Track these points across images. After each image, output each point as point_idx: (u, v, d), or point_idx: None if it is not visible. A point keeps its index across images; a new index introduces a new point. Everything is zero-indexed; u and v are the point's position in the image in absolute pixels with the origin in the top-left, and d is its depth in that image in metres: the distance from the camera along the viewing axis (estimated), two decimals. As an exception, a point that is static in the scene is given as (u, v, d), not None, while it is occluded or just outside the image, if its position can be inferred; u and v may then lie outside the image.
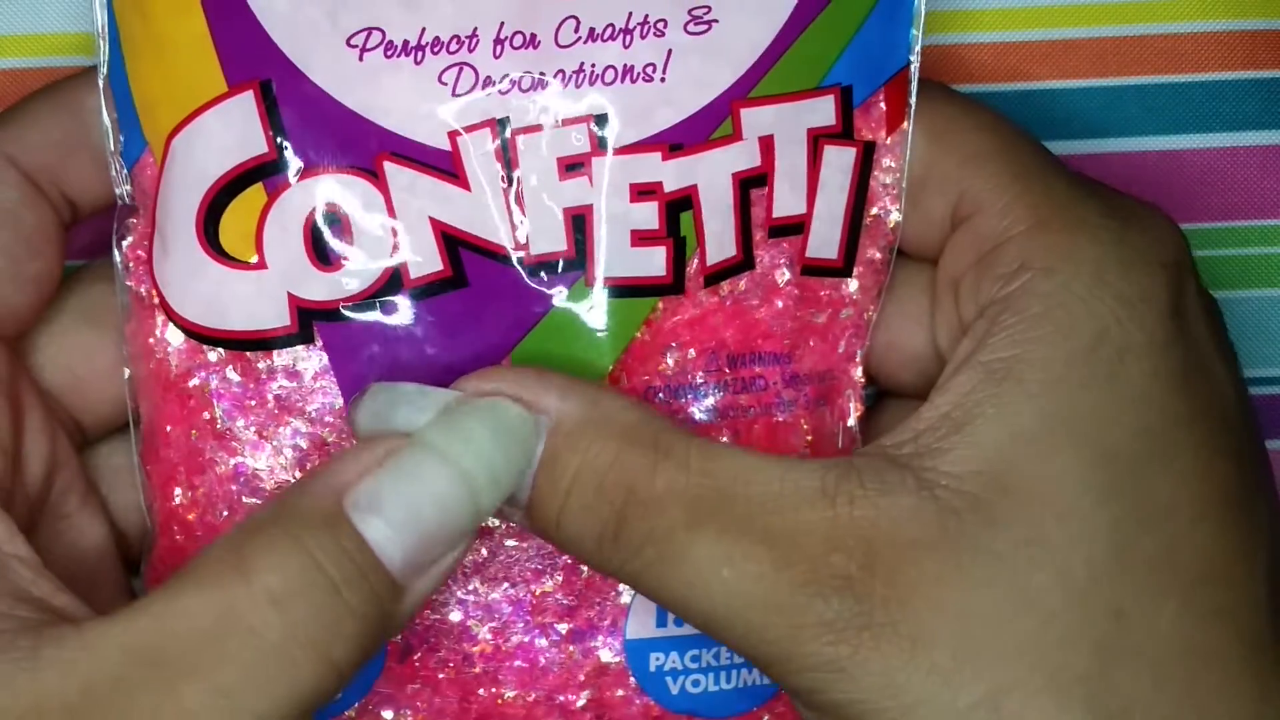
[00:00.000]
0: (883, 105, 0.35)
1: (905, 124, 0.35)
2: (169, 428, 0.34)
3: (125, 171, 0.34)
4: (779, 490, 0.30)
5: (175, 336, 0.33)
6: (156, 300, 0.33)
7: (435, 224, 0.32)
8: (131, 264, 0.34)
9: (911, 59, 0.35)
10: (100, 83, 0.34)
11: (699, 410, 0.34)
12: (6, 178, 0.34)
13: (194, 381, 0.33)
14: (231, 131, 0.32)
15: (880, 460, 0.31)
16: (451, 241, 0.32)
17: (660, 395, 0.34)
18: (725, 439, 0.34)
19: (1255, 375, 0.43)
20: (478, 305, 0.33)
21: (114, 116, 0.34)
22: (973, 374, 0.31)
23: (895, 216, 0.35)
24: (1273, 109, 0.42)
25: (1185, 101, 0.42)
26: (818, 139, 0.34)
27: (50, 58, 0.39)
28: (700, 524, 0.29)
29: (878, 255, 0.35)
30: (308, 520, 0.28)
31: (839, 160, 0.34)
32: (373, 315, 0.33)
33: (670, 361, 0.34)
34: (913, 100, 0.35)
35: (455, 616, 0.34)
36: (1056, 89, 0.42)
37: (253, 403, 0.33)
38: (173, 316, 0.33)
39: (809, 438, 0.35)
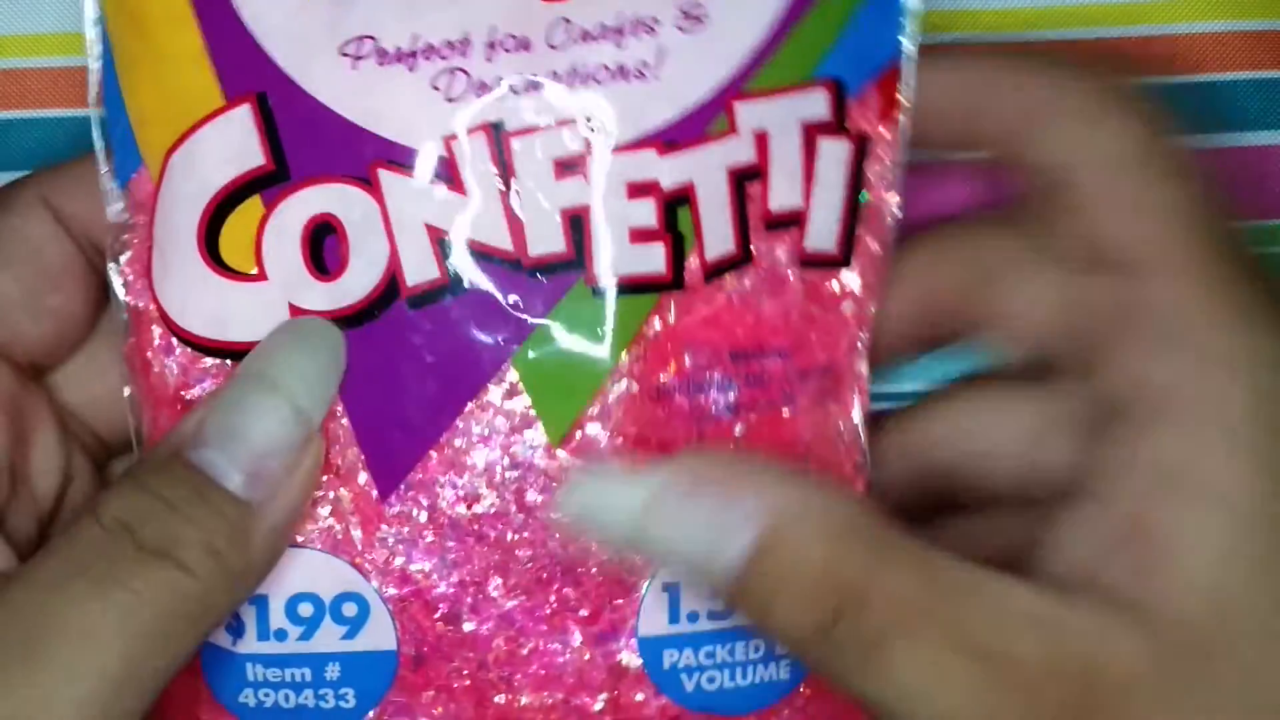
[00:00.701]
0: (876, 97, 0.35)
1: (898, 114, 0.35)
2: None
3: (119, 188, 0.34)
4: (998, 609, 0.30)
5: (175, 349, 0.34)
6: (156, 314, 0.34)
7: (431, 230, 0.33)
8: (130, 279, 0.35)
9: (904, 46, 0.35)
10: (91, 98, 0.34)
11: (716, 407, 0.34)
12: (34, 214, 0.35)
13: (194, 392, 0.34)
14: (229, 145, 0.33)
15: (1095, 590, 0.30)
16: (448, 247, 0.33)
17: (677, 394, 0.34)
18: (739, 430, 0.34)
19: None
20: (477, 310, 0.33)
21: (107, 133, 0.34)
22: (1145, 477, 0.31)
23: (894, 209, 0.36)
24: (1272, 109, 0.43)
25: (1184, 102, 0.42)
26: (812, 132, 0.34)
27: (50, 58, 0.41)
28: (915, 633, 0.30)
29: (876, 247, 0.36)
30: (147, 467, 0.32)
31: (834, 152, 0.35)
32: (371, 324, 0.33)
33: (686, 360, 0.34)
34: (906, 92, 0.35)
35: (469, 627, 0.35)
36: None
37: None
38: (174, 329, 0.34)
39: (814, 431, 0.35)
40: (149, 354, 0.35)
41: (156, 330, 0.34)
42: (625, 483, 0.31)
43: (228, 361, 0.34)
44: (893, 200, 0.36)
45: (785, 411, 0.35)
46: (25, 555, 0.34)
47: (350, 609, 0.34)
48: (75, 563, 0.30)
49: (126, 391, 0.35)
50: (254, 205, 0.33)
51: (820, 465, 0.36)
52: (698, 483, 0.31)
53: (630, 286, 0.34)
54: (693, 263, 0.34)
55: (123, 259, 0.35)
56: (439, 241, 0.33)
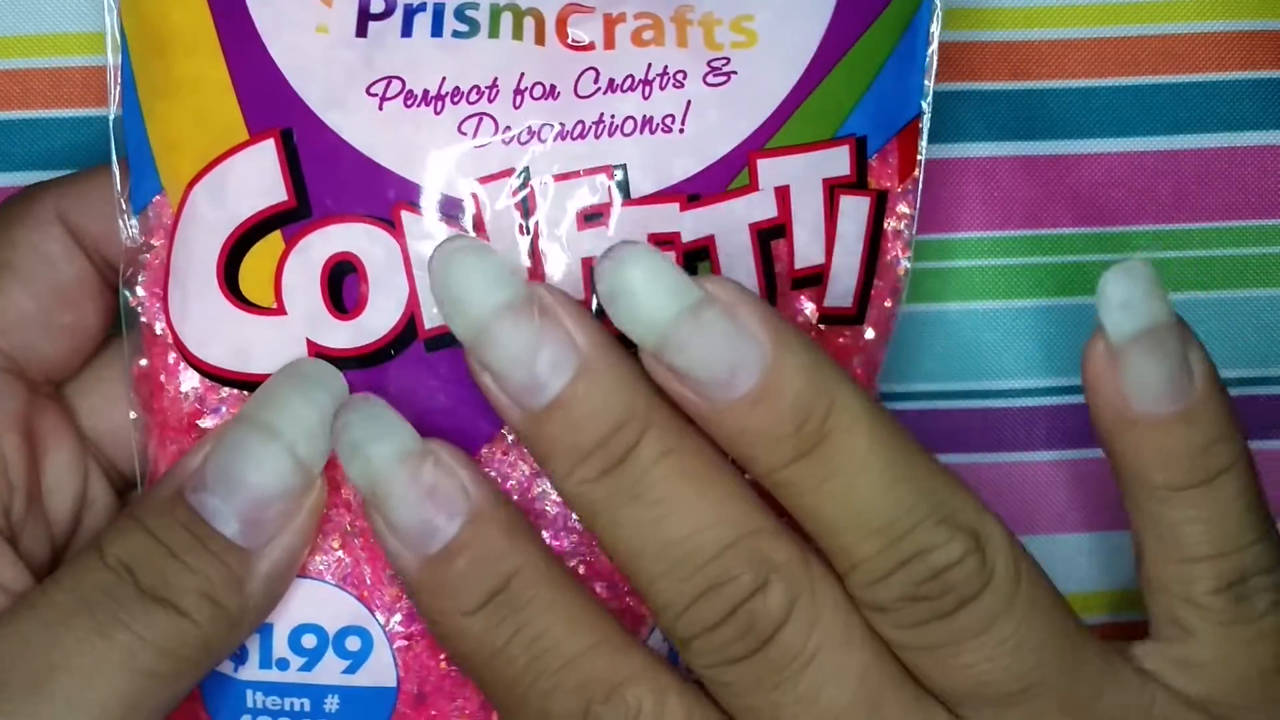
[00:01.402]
0: (896, 154, 0.36)
1: (916, 172, 0.37)
2: None
3: (137, 211, 0.35)
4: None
5: (190, 377, 0.35)
6: (171, 339, 0.35)
7: None
8: (145, 302, 0.35)
9: (924, 107, 0.37)
10: (111, 121, 0.35)
11: None
12: (50, 231, 0.36)
13: (208, 420, 0.35)
14: (252, 179, 0.34)
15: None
16: None
17: None
18: None
19: (1255, 375, 0.45)
20: None
21: (124, 157, 0.35)
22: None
23: (905, 264, 0.37)
24: (1270, 109, 0.44)
25: (1183, 102, 0.44)
26: (834, 189, 0.35)
27: (50, 58, 0.41)
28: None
29: (889, 302, 0.37)
30: (149, 508, 0.33)
31: (854, 210, 0.36)
32: (387, 364, 0.34)
33: None
34: (923, 149, 0.37)
35: None
36: (1056, 89, 0.44)
37: None
38: (190, 359, 0.35)
39: None
40: (161, 378, 0.35)
41: (170, 356, 0.35)
42: (674, 279, 0.31)
43: (245, 392, 0.35)
44: (906, 254, 0.37)
45: None
46: (40, 574, 0.35)
47: (354, 643, 0.35)
48: (81, 599, 0.32)
49: (133, 415, 0.36)
50: (275, 241, 0.34)
51: None
52: (738, 303, 0.31)
53: None
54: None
55: (138, 282, 0.36)
56: None
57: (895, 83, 0.36)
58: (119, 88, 0.35)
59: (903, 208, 0.37)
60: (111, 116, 0.36)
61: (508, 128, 0.34)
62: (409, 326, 0.34)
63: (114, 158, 0.36)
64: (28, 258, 0.36)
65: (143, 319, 0.36)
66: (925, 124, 0.37)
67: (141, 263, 0.36)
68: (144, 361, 0.36)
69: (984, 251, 0.45)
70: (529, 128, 0.34)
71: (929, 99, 0.37)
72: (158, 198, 0.35)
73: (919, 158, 0.37)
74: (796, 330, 0.32)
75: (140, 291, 0.36)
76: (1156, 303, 0.33)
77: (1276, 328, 0.45)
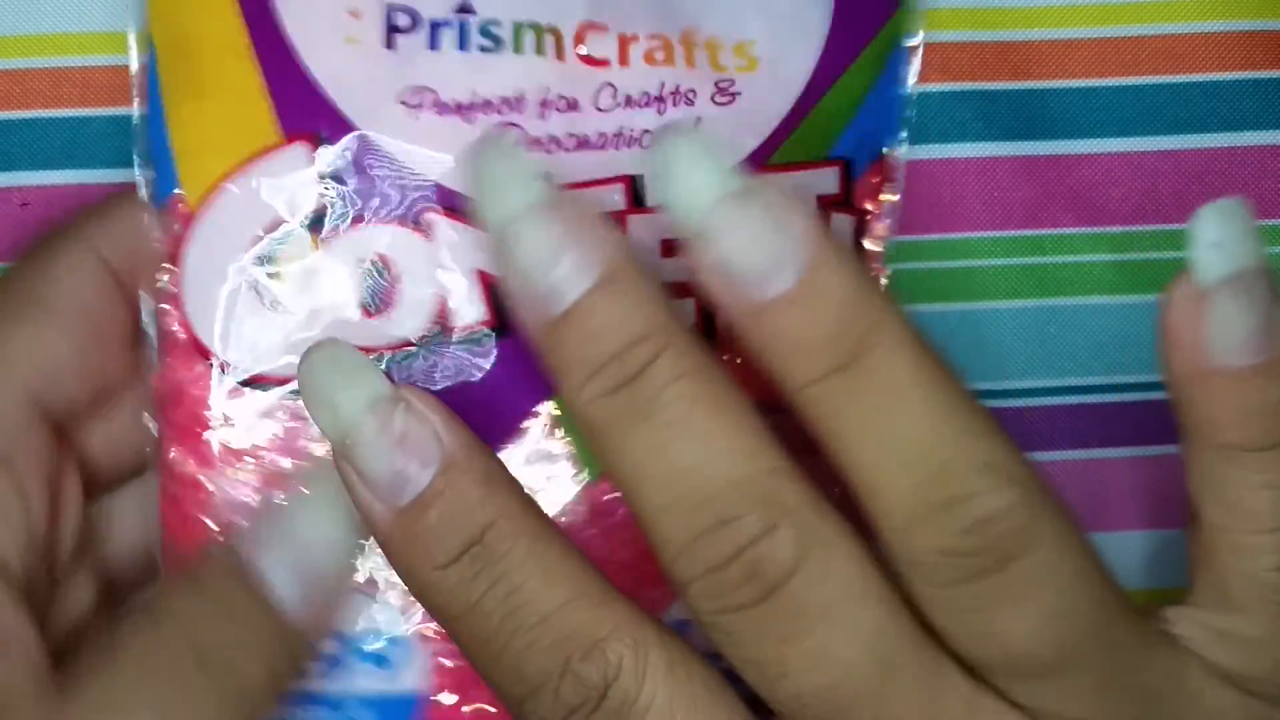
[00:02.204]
0: (874, 178, 0.39)
1: (892, 194, 0.40)
2: (199, 473, 0.37)
3: (158, 213, 0.37)
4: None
5: (215, 379, 0.36)
6: (188, 342, 0.36)
7: (482, 275, 0.36)
8: (165, 304, 0.37)
9: (902, 138, 0.40)
10: (135, 122, 0.37)
11: None
12: (87, 268, 0.37)
13: (232, 429, 0.37)
14: (284, 182, 0.36)
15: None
16: (497, 291, 0.36)
17: None
18: None
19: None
20: (521, 353, 0.36)
21: (147, 158, 0.37)
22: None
23: (883, 281, 0.40)
24: (1270, 109, 0.45)
25: (1183, 102, 0.45)
26: (825, 205, 0.38)
27: (50, 58, 0.43)
28: None
29: None
30: (211, 569, 0.35)
31: (842, 227, 0.39)
32: (417, 364, 0.36)
33: None
34: (899, 175, 0.40)
35: None
36: (1057, 89, 0.45)
37: (295, 445, 0.36)
38: (213, 359, 0.36)
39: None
40: (182, 381, 0.37)
41: (195, 359, 0.37)
42: (723, 163, 0.31)
43: (268, 390, 0.37)
44: (884, 272, 0.40)
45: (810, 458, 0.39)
46: (43, 619, 0.36)
47: (378, 647, 0.37)
48: (151, 672, 0.33)
49: (151, 423, 0.37)
50: (305, 240, 0.36)
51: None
52: (786, 201, 0.31)
53: None
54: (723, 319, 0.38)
55: (158, 285, 0.37)
56: (489, 286, 0.36)
57: (874, 115, 0.39)
58: (144, 88, 0.37)
59: (880, 228, 0.40)
60: (136, 118, 0.37)
61: (534, 137, 0.37)
62: (440, 326, 0.36)
63: (139, 175, 0.37)
64: (65, 297, 0.37)
65: (160, 322, 0.37)
66: (901, 154, 0.40)
67: (160, 264, 0.37)
68: (162, 366, 0.37)
69: (984, 251, 0.46)
70: (553, 137, 0.37)
71: (905, 134, 0.40)
72: (175, 197, 0.37)
73: (894, 183, 0.40)
74: (841, 246, 0.31)
75: (158, 294, 0.37)
76: (1250, 245, 0.32)
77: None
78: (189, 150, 0.37)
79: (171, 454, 0.37)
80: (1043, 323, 0.46)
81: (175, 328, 0.37)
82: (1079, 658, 0.31)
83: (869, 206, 0.39)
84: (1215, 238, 0.32)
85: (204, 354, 0.37)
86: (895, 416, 0.30)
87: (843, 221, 0.39)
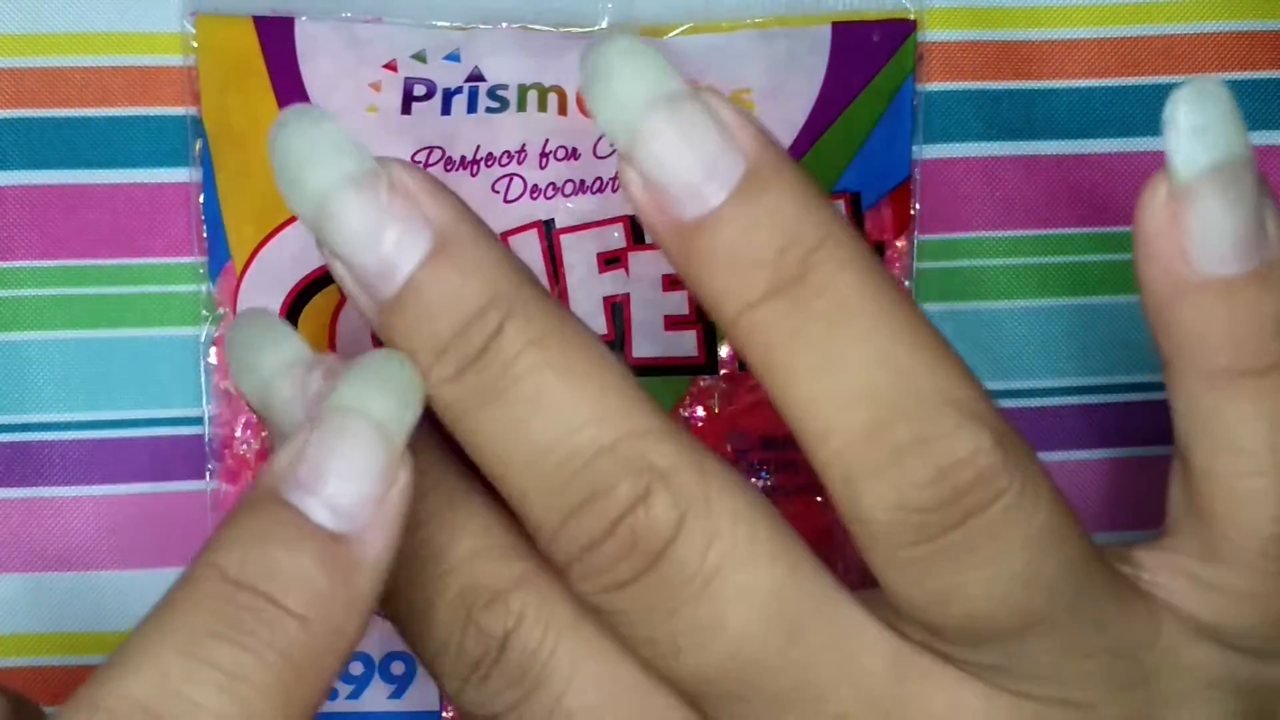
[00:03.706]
0: (889, 211, 0.43)
1: (911, 227, 0.43)
2: None
3: (211, 282, 0.42)
4: None
5: (256, 426, 0.42)
6: (236, 392, 0.41)
7: None
8: (215, 363, 0.42)
9: (914, 172, 0.43)
10: (195, 206, 0.43)
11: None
12: None
13: None
14: (311, 242, 0.41)
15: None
16: None
17: None
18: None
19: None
20: None
21: (204, 233, 0.43)
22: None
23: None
24: (1269, 109, 0.47)
25: None
26: None
27: (50, 57, 0.46)
28: None
29: None
30: (250, 509, 0.29)
31: None
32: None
33: (728, 447, 0.42)
34: (915, 209, 0.44)
35: None
36: (1058, 89, 0.47)
37: None
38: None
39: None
40: (236, 435, 0.42)
41: (240, 412, 0.42)
42: (658, 66, 0.29)
43: None
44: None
45: (819, 499, 0.43)
46: None
47: (399, 668, 0.41)
48: (214, 616, 0.28)
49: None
50: (330, 294, 0.42)
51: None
52: (724, 107, 0.29)
53: (665, 367, 0.42)
54: (725, 350, 0.42)
55: (212, 347, 0.43)
56: None
57: (884, 146, 0.43)
58: (200, 170, 0.43)
59: (899, 262, 0.44)
60: (197, 202, 0.44)
61: (535, 185, 0.41)
62: None
63: (192, 233, 0.43)
64: None
65: (214, 378, 0.43)
66: (916, 187, 0.44)
67: (213, 332, 0.43)
68: (217, 422, 0.43)
69: (985, 251, 0.47)
70: (554, 184, 0.41)
71: (919, 163, 0.44)
72: (226, 266, 0.42)
73: (913, 219, 0.44)
74: (791, 158, 0.29)
75: (213, 357, 0.43)
76: (1235, 133, 0.29)
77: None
78: (236, 224, 0.42)
79: (223, 489, 0.42)
80: (1044, 323, 0.47)
81: (224, 384, 0.43)
82: (1041, 620, 0.29)
83: (885, 238, 0.43)
84: (1195, 122, 0.28)
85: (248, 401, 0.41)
86: (843, 345, 0.28)
87: None
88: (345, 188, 0.29)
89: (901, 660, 0.30)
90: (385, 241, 0.29)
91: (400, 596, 0.31)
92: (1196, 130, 0.29)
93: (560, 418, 0.29)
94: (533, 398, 0.29)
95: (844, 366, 0.28)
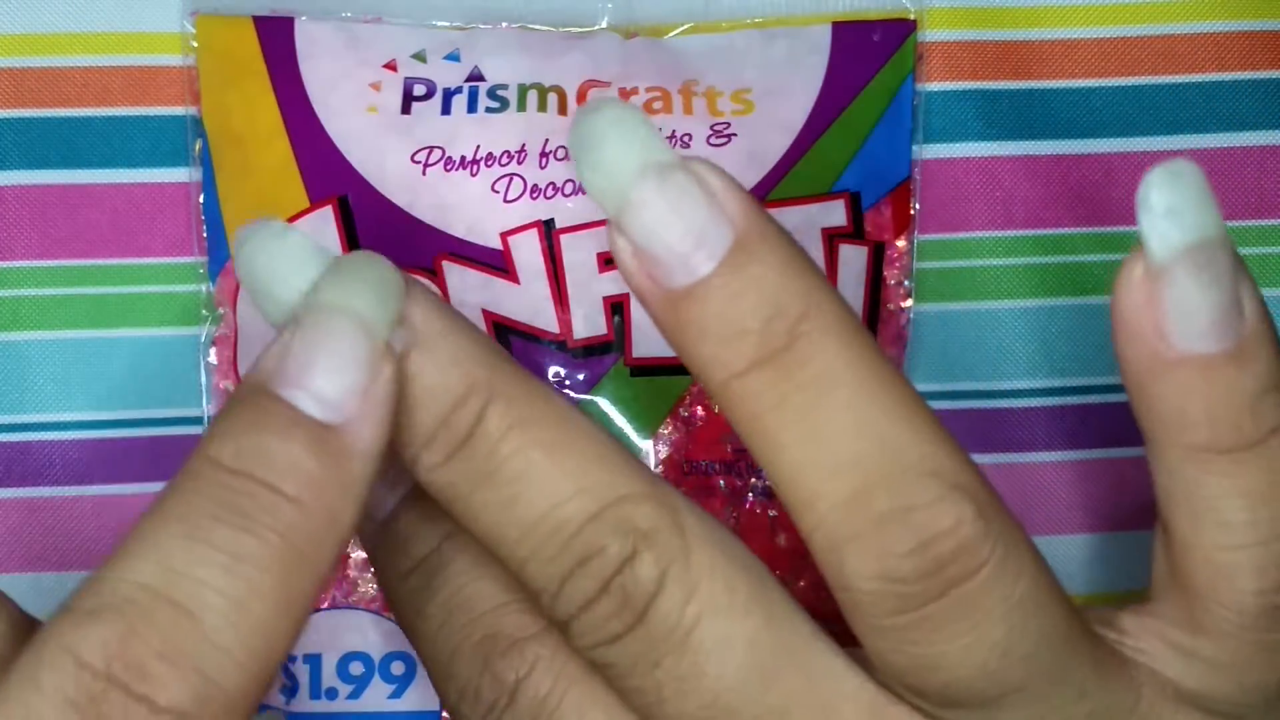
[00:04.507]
0: (890, 210, 0.44)
1: (912, 226, 0.44)
2: None
3: (211, 283, 0.43)
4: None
5: None
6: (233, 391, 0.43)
7: (487, 314, 0.41)
8: (216, 363, 0.43)
9: (914, 172, 0.44)
10: (195, 206, 0.44)
11: (754, 493, 0.43)
12: None
13: None
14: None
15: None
16: (502, 330, 0.41)
17: (721, 481, 0.42)
18: (772, 514, 0.42)
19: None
20: None
21: (204, 233, 0.44)
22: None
23: (908, 314, 0.44)
24: (1269, 109, 0.48)
25: (1182, 102, 0.48)
26: (832, 238, 0.43)
27: (50, 57, 0.47)
28: None
29: (891, 350, 0.44)
30: (241, 401, 0.30)
31: (853, 258, 0.43)
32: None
33: (727, 447, 0.43)
34: (915, 209, 0.44)
35: None
36: (1057, 89, 0.48)
37: None
38: None
39: None
40: None
41: None
42: (648, 134, 0.29)
43: None
44: (906, 305, 0.44)
45: None
46: None
47: (399, 668, 0.42)
48: (215, 502, 0.29)
49: None
50: None
51: None
52: (712, 175, 0.30)
53: (665, 368, 0.42)
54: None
55: (212, 347, 0.44)
56: (494, 324, 0.42)
57: (884, 146, 0.44)
58: (200, 171, 0.44)
59: (900, 260, 0.44)
60: (197, 203, 0.45)
61: (535, 185, 0.42)
62: None
63: (192, 235, 0.44)
64: None
65: (214, 379, 0.44)
66: (916, 186, 0.44)
67: (213, 331, 0.44)
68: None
69: (985, 251, 0.48)
70: (554, 184, 0.42)
71: (920, 162, 0.45)
72: (226, 266, 0.43)
73: (913, 218, 0.45)
74: (778, 225, 0.30)
75: (214, 354, 0.44)
76: (1208, 213, 0.29)
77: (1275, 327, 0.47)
78: (236, 222, 0.43)
79: None
80: (1044, 322, 0.48)
81: (223, 384, 0.44)
82: (1020, 689, 0.30)
83: (885, 238, 0.44)
84: (1168, 204, 0.29)
85: None
86: (827, 415, 0.29)
87: (852, 253, 0.44)
88: (318, 299, 0.30)
89: (879, 711, 0.31)
90: (365, 345, 0.29)
91: (430, 641, 0.33)
92: (1170, 211, 0.29)
93: (547, 493, 0.30)
94: (520, 477, 0.30)
95: (828, 436, 0.29)
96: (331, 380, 0.29)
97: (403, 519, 0.33)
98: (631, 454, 0.31)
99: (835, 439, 0.29)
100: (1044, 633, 0.30)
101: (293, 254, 0.30)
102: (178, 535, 0.28)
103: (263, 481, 0.29)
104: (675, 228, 0.29)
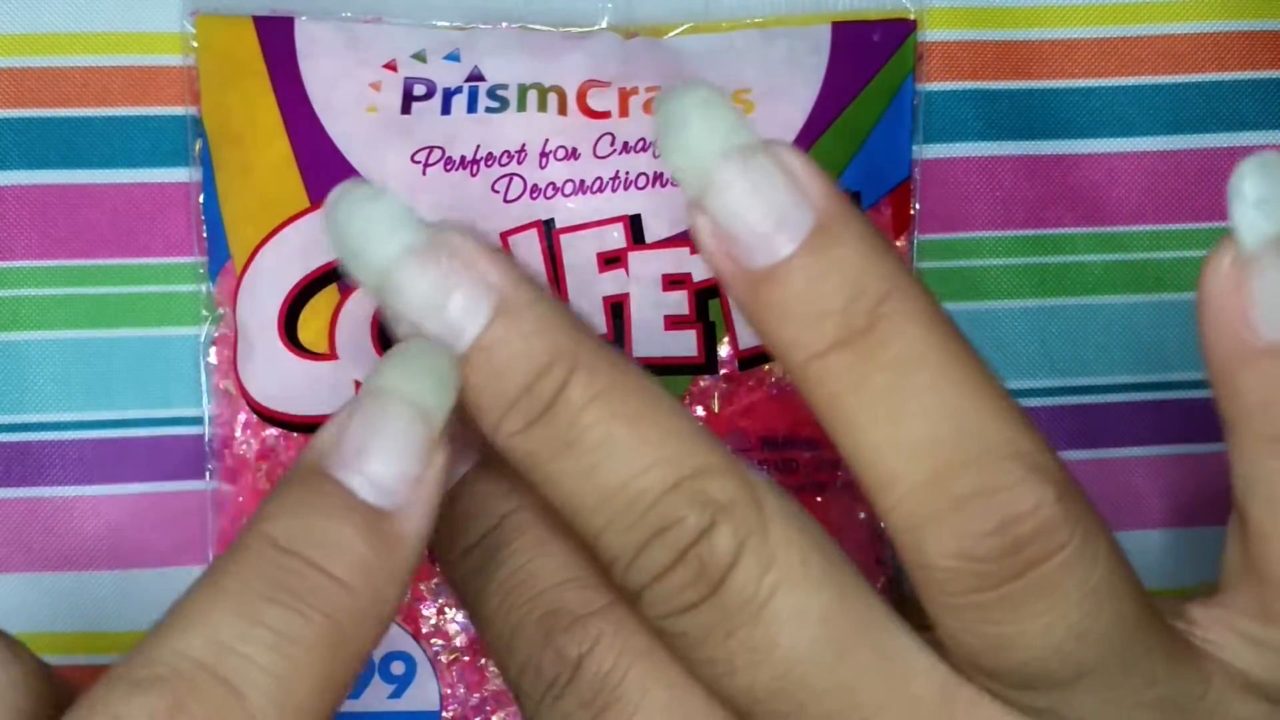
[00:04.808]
0: (889, 210, 0.44)
1: (911, 227, 0.45)
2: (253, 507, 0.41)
3: (212, 281, 0.44)
4: None
5: (256, 426, 0.43)
6: (238, 393, 0.43)
7: None
8: (216, 363, 0.44)
9: (914, 172, 0.45)
10: (195, 206, 0.44)
11: None
12: None
13: (272, 465, 0.43)
14: (312, 241, 0.42)
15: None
16: None
17: None
18: None
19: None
20: None
21: (204, 233, 0.44)
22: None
23: None
24: (1270, 109, 0.48)
25: (1183, 102, 0.48)
26: None
27: (50, 57, 0.47)
28: None
29: None
30: (296, 480, 0.31)
31: None
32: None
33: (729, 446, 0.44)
34: (915, 209, 0.45)
35: None
36: (1057, 89, 0.48)
37: None
38: (254, 406, 0.42)
39: (845, 520, 0.44)
40: (236, 435, 0.43)
41: (240, 411, 0.43)
42: (732, 117, 0.30)
43: (294, 435, 0.43)
44: None
45: (819, 498, 0.44)
46: None
47: (398, 668, 0.42)
48: (267, 582, 0.30)
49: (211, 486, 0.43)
50: (330, 294, 0.43)
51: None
52: (795, 158, 0.30)
53: (665, 368, 0.43)
54: (726, 350, 0.43)
55: (211, 347, 0.44)
56: None
57: (884, 146, 0.45)
58: (200, 170, 0.45)
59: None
60: (197, 202, 0.45)
61: (535, 185, 0.43)
62: None
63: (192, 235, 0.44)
64: None
65: (214, 379, 0.44)
66: (916, 187, 0.45)
67: (213, 332, 0.44)
68: (216, 421, 0.44)
69: (985, 251, 0.48)
70: (554, 184, 0.43)
71: (920, 162, 0.45)
72: (226, 265, 0.44)
73: (913, 218, 0.45)
74: (858, 209, 0.30)
75: (214, 354, 0.44)
76: None
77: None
78: (236, 222, 0.44)
79: (223, 489, 0.44)
80: (1044, 322, 0.48)
81: (223, 383, 0.44)
82: (1093, 671, 0.30)
83: (887, 238, 0.44)
84: (1260, 194, 0.30)
85: (249, 400, 0.43)
86: (908, 396, 0.29)
87: None
88: (406, 262, 0.30)
89: (950, 690, 0.31)
90: (451, 308, 0.31)
91: (492, 619, 0.33)
92: (1261, 201, 0.30)
93: (627, 462, 0.30)
94: (600, 446, 0.30)
95: (908, 417, 0.29)
96: (388, 466, 0.30)
97: (465, 497, 0.33)
98: (710, 431, 0.31)
99: (916, 420, 0.29)
100: (1118, 618, 0.30)
101: (387, 217, 0.31)
102: (228, 611, 0.29)
103: (313, 563, 0.29)
104: (757, 209, 0.30)
